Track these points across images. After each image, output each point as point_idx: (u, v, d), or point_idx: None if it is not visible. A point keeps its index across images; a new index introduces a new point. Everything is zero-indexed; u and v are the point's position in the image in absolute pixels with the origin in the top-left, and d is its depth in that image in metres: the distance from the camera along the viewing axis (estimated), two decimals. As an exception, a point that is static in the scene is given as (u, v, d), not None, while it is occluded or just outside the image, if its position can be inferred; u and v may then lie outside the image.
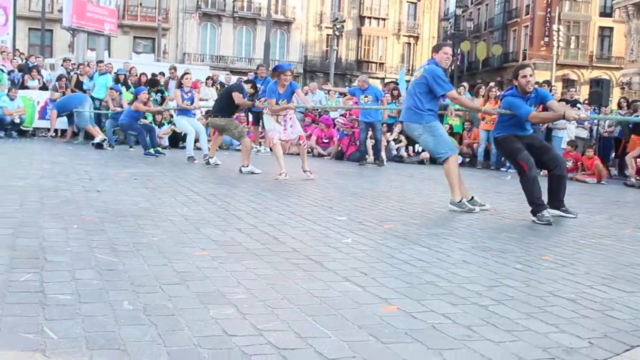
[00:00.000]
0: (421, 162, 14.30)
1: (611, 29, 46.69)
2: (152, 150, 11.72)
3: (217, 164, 10.07)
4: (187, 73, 11.62)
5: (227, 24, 45.07)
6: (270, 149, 9.43)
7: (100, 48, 22.63)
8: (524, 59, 47.40)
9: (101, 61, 17.07)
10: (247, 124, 14.47)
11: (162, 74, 17.20)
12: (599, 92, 14.97)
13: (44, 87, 16.01)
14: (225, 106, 9.84)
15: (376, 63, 47.42)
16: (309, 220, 5.43)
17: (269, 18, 31.45)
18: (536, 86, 6.83)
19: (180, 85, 11.17)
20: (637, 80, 31.47)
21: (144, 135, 12.00)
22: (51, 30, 37.92)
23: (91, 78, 15.94)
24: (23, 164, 8.72)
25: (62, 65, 17.94)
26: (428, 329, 2.75)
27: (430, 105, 6.68)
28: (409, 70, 47.90)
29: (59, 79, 15.92)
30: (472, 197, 6.76)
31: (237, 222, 5.08)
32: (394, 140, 14.90)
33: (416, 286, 3.45)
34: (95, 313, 2.65)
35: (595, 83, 16.10)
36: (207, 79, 17.10)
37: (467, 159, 14.20)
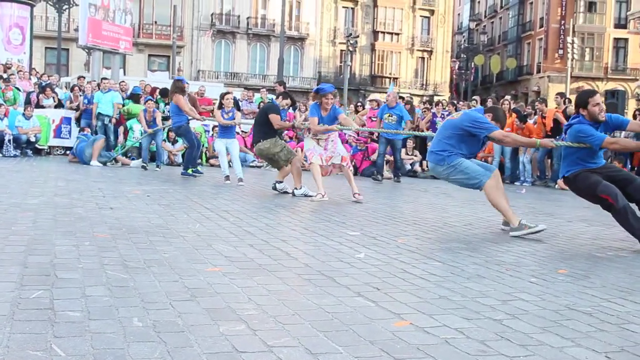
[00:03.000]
0: (435, 177, 14.23)
1: (626, 40, 46.61)
2: (190, 171, 10.93)
3: (307, 195, 8.52)
4: (228, 93, 11.16)
5: (241, 41, 45.34)
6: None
7: (115, 66, 22.86)
8: (539, 71, 47.37)
9: (105, 78, 17.04)
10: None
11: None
12: (614, 104, 14.95)
13: (59, 105, 16.16)
14: (264, 128, 9.04)
15: (390, 78, 47.39)
16: (322, 235, 5.41)
17: (283, 34, 31.58)
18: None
19: (221, 106, 10.68)
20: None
21: (193, 151, 11.06)
22: (67, 49, 38.31)
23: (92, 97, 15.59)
24: (38, 182, 8.77)
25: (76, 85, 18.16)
26: (441, 344, 2.70)
27: (460, 148, 6.18)
28: (422, 84, 48.16)
29: (72, 89, 16.16)
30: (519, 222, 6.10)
31: (249, 238, 5.06)
32: (407, 154, 14.88)
33: (429, 301, 3.41)
34: (105, 330, 2.64)
35: (611, 95, 16.08)
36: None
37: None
